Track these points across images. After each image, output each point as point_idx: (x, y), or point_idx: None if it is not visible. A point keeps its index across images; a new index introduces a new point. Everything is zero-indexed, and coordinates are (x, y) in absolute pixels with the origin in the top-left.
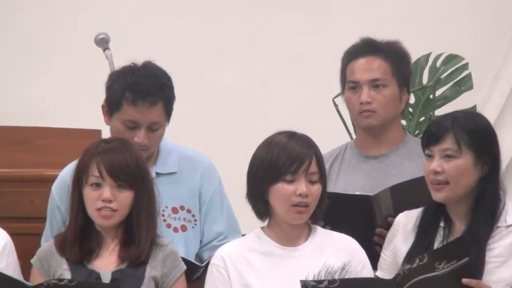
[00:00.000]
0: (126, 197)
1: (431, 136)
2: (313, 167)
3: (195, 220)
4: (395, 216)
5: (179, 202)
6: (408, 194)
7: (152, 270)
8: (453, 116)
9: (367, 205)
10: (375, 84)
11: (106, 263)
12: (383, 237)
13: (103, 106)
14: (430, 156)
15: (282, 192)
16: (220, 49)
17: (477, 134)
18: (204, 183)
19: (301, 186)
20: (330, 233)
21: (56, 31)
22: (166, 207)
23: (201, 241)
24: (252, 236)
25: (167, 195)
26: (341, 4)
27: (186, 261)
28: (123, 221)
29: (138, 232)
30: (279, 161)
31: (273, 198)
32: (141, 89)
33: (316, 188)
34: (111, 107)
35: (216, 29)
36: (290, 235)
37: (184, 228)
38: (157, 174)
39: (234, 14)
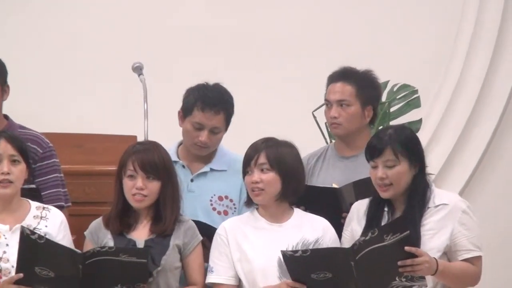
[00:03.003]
0: (154, 186)
1: (373, 151)
2: (262, 159)
3: (235, 208)
4: None
5: (224, 193)
6: (366, 186)
7: (175, 240)
8: (387, 133)
9: (335, 196)
10: (341, 103)
11: (140, 234)
12: None
13: (179, 112)
14: (374, 167)
15: (246, 181)
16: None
17: (408, 144)
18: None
19: (254, 175)
20: (308, 214)
21: (102, 61)
22: (214, 195)
23: None
24: (248, 214)
25: (216, 186)
26: (325, 41)
27: (206, 226)
28: (153, 203)
29: (164, 212)
30: (243, 159)
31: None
32: (210, 101)
33: (267, 176)
34: (185, 112)
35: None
36: (276, 214)
37: (226, 213)
38: (211, 169)
39: (234, 46)
